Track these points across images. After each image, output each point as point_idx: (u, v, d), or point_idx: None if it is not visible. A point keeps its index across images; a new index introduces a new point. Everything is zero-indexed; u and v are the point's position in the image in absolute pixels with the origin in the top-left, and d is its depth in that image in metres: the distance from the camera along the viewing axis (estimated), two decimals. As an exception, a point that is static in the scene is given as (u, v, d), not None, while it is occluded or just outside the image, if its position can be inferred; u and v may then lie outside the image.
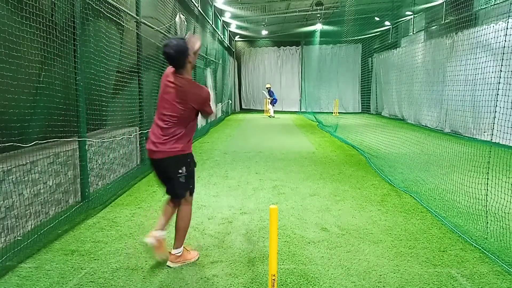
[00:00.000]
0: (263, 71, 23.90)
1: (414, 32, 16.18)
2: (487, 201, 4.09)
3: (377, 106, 20.40)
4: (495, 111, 5.83)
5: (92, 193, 4.81)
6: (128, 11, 6.24)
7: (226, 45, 19.56)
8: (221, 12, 16.62)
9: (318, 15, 17.04)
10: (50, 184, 4.08)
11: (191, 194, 3.16)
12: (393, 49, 17.52)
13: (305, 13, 17.01)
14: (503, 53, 5.75)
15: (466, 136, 10.56)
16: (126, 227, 3.91)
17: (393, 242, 3.53)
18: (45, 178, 3.98)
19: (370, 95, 21.30)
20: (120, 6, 5.82)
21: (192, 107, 2.91)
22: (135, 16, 6.57)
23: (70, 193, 4.50)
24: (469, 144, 8.28)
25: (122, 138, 6.03)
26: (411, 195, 4.97)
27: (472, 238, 3.55)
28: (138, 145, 6.78)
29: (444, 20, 13.42)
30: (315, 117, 17.11)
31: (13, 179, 3.47)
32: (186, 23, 9.78)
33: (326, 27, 18.43)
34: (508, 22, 8.55)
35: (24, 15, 3.66)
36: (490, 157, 6.27)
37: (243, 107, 24.35)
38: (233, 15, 17.02)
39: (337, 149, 8.86)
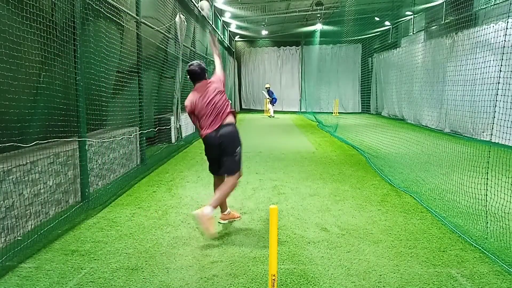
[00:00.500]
0: (263, 71, 23.91)
1: (414, 32, 16.19)
2: (486, 201, 4.10)
3: (377, 106, 20.41)
4: (495, 111, 5.83)
5: (92, 193, 4.81)
6: (128, 11, 6.24)
7: (226, 45, 19.57)
8: (221, 12, 16.62)
9: (318, 15, 17.06)
10: (50, 184, 4.08)
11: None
12: (393, 49, 17.52)
13: (305, 13, 17.01)
14: (503, 53, 5.75)
15: (466, 136, 10.56)
16: (126, 227, 3.92)
17: (393, 242, 3.53)
18: (45, 178, 3.98)
19: (370, 95, 21.31)
20: (120, 6, 5.82)
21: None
22: (135, 16, 6.58)
23: (70, 193, 4.50)
24: (468, 144, 8.29)
25: (122, 138, 6.04)
26: (411, 195, 4.97)
27: (472, 238, 3.55)
28: (138, 145, 6.78)
29: (444, 20, 13.43)
30: (315, 117, 17.11)
31: (13, 179, 3.47)
32: (186, 23, 9.78)
33: (326, 27, 18.44)
34: (508, 22, 8.55)
35: (24, 15, 3.66)
36: (489, 157, 6.28)
37: (243, 107, 24.36)
38: (233, 15, 17.03)
39: (337, 149, 8.86)
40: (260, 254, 3.27)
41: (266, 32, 21.43)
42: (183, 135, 10.18)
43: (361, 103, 22.31)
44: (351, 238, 3.62)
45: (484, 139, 9.62)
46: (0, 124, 3.67)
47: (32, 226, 3.72)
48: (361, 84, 22.24)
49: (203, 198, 4.94)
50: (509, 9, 9.17)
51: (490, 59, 8.06)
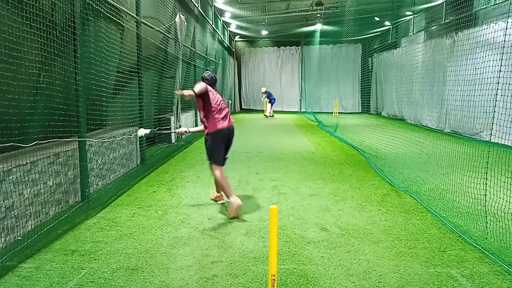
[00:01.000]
0: (263, 71, 23.90)
1: (414, 32, 16.18)
2: (486, 201, 4.10)
3: (377, 106, 20.40)
4: (494, 111, 5.83)
5: (92, 193, 4.81)
6: (128, 11, 6.24)
7: (226, 45, 19.57)
8: (221, 12, 16.62)
9: (318, 15, 17.05)
10: (50, 184, 4.09)
11: None
12: (393, 49, 17.52)
13: (305, 13, 17.01)
14: (503, 53, 5.75)
15: (466, 136, 10.56)
16: (126, 227, 3.92)
17: (393, 242, 3.54)
18: (45, 178, 3.98)
19: (370, 95, 21.30)
20: (120, 6, 5.82)
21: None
22: (135, 16, 6.58)
23: (70, 193, 4.50)
24: (468, 144, 8.29)
25: (122, 138, 6.04)
26: (411, 195, 4.97)
27: (472, 238, 3.55)
28: (138, 145, 6.78)
29: (444, 20, 13.43)
30: (315, 117, 17.11)
31: (13, 179, 3.47)
32: (186, 23, 9.78)
33: (326, 27, 18.44)
34: (508, 22, 8.55)
35: (24, 15, 3.66)
36: (489, 157, 6.28)
37: (243, 107, 24.35)
38: (233, 15, 17.03)
39: (337, 149, 8.86)
40: (260, 254, 3.27)
41: (266, 32, 21.42)
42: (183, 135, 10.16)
43: (361, 103, 22.30)
44: (351, 238, 3.62)
45: (484, 139, 9.62)
46: (0, 124, 3.67)
47: (32, 226, 3.72)
48: (361, 84, 22.23)
49: (203, 198, 4.94)
50: (509, 9, 9.17)
51: (490, 59, 8.06)
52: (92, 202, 4.60)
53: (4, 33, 3.43)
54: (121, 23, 6.08)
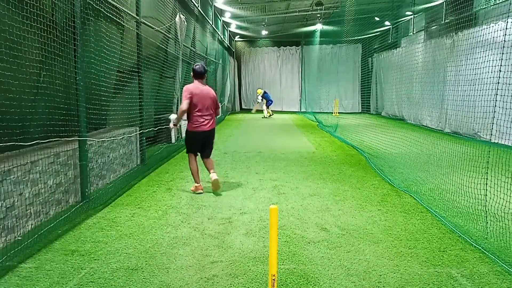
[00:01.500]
0: (263, 71, 23.89)
1: (414, 32, 16.18)
2: (486, 201, 4.10)
3: (377, 106, 20.40)
4: (494, 111, 5.83)
5: (92, 193, 4.81)
6: (128, 11, 6.24)
7: (226, 45, 19.56)
8: (221, 12, 16.62)
9: (318, 15, 17.04)
10: (50, 184, 4.09)
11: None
12: (393, 49, 17.52)
13: (305, 13, 17.00)
14: (503, 53, 5.75)
15: (466, 136, 10.56)
16: (126, 227, 3.92)
17: (393, 242, 3.54)
18: (45, 178, 3.98)
19: (370, 95, 21.30)
20: (120, 6, 5.82)
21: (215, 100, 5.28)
22: (135, 16, 6.58)
23: (70, 193, 4.50)
24: (468, 144, 8.28)
25: (122, 138, 6.04)
26: (411, 195, 4.98)
27: (472, 238, 3.55)
28: (138, 145, 6.78)
29: (444, 20, 13.43)
30: (315, 117, 17.11)
31: (14, 178, 3.47)
32: (186, 23, 9.78)
33: (326, 27, 18.43)
34: (508, 22, 8.55)
35: (24, 15, 3.66)
36: (489, 157, 6.28)
37: (243, 107, 24.34)
38: (233, 15, 17.03)
39: (337, 149, 8.86)
40: (260, 254, 3.27)
41: (266, 32, 21.42)
42: (183, 135, 10.18)
43: (361, 103, 22.29)
44: (351, 238, 3.62)
45: (484, 139, 9.62)
46: (0, 124, 3.67)
47: (32, 226, 3.72)
48: (361, 84, 22.23)
49: (203, 198, 4.94)
50: (509, 9, 9.17)
51: (490, 59, 8.06)
52: (92, 202, 4.60)
53: (4, 32, 3.43)
54: (121, 23, 6.08)
